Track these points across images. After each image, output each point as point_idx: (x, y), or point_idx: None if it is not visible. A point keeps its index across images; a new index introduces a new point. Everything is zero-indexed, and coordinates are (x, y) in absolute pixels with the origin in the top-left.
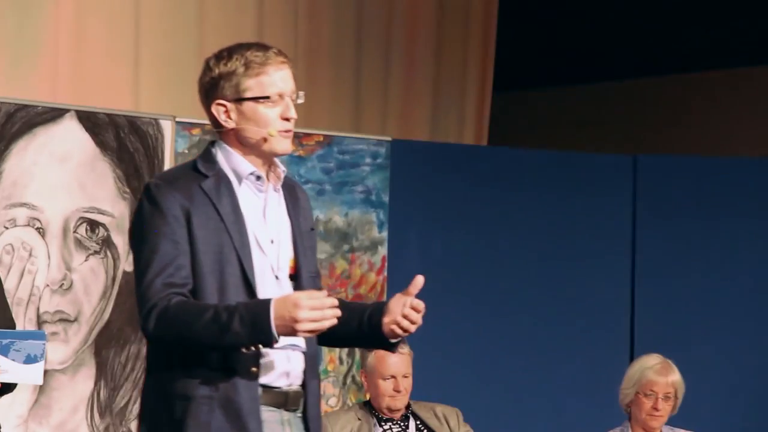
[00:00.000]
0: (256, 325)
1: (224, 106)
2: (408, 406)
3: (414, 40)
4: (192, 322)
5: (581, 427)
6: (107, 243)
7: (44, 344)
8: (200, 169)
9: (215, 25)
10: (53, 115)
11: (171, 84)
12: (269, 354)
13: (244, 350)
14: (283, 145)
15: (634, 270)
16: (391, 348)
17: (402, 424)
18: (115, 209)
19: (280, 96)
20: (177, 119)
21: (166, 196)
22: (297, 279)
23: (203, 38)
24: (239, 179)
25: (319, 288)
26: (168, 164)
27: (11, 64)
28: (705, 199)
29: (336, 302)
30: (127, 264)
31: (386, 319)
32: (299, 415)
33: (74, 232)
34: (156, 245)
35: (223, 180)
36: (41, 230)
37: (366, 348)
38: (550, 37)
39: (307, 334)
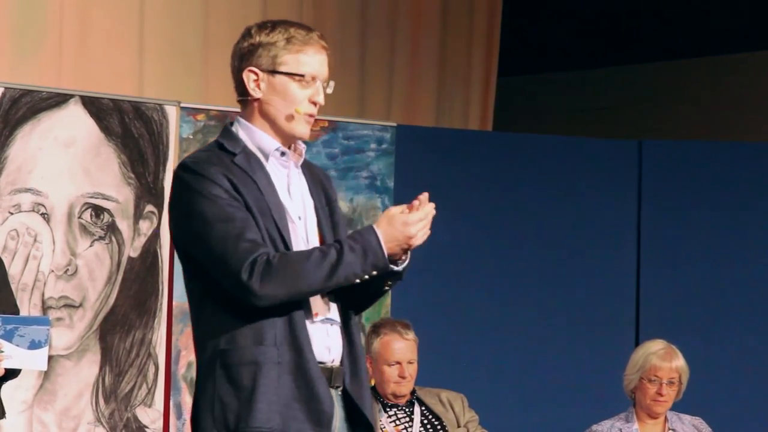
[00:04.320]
0: (369, 252)
1: (256, 74)
2: (413, 392)
3: (419, 25)
4: (301, 268)
5: (586, 414)
6: (112, 228)
7: (48, 329)
8: (227, 147)
9: (220, 11)
10: (58, 100)
11: (176, 69)
12: (308, 328)
13: (357, 281)
14: (303, 128)
15: (640, 256)
16: (400, 275)
17: (407, 410)
18: (120, 195)
19: (313, 78)
20: (182, 105)
21: (208, 168)
22: None
23: (208, 24)
24: (266, 156)
25: None
26: (173, 150)
27: (16, 49)
28: (710, 185)
29: (432, 206)
30: (131, 250)
31: None
32: (340, 393)
33: (79, 217)
34: (221, 208)
35: (251, 156)
36: (46, 216)
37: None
38: (554, 23)
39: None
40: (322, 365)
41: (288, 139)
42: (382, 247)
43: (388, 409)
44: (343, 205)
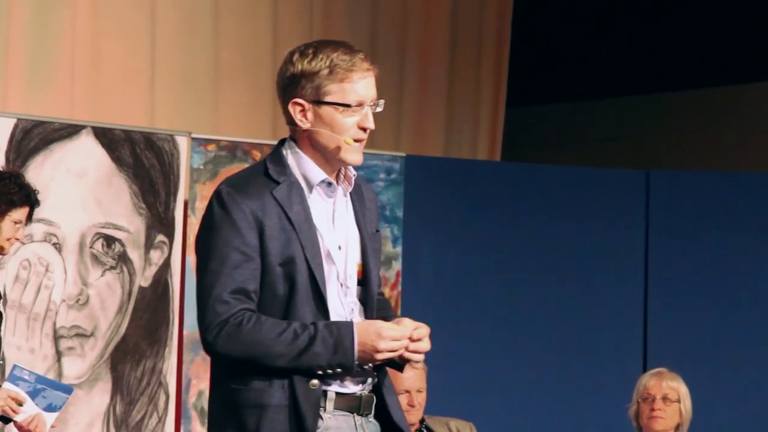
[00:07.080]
0: (339, 349)
1: (302, 105)
2: (422, 421)
3: (427, 56)
4: (268, 342)
5: None
6: (123, 258)
7: (67, 398)
8: (271, 174)
9: (231, 42)
10: (70, 131)
11: (187, 100)
12: None
13: (319, 372)
14: (355, 156)
15: (647, 286)
16: (399, 368)
17: None
18: (131, 225)
19: (360, 104)
20: (193, 135)
21: (238, 204)
22: (365, 284)
23: (219, 55)
24: (310, 186)
25: (380, 293)
26: (183, 180)
27: (28, 80)
28: (718, 215)
29: (423, 332)
30: (142, 279)
31: None
32: (371, 420)
33: (90, 247)
34: (226, 255)
35: (294, 186)
36: (58, 246)
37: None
38: (562, 53)
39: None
40: (351, 395)
41: (338, 165)
42: (355, 349)
43: None
44: None
